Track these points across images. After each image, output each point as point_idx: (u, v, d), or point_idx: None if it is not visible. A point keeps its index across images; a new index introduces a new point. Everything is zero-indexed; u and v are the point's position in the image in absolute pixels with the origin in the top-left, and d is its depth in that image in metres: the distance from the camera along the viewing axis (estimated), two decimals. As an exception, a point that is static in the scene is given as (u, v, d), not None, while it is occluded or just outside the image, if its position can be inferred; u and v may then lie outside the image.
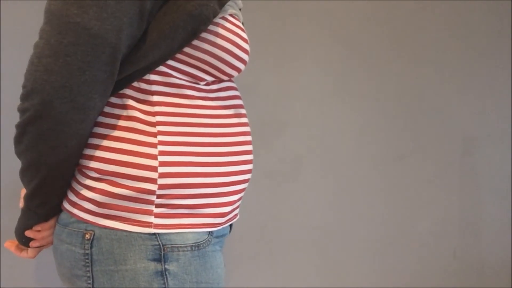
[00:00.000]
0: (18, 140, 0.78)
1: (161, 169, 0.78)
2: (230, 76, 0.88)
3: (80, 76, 0.71)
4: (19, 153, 0.80)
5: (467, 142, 1.63)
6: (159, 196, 0.78)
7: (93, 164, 0.79)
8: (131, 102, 0.80)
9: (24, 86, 0.73)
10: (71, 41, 0.70)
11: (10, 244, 0.95)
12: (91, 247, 0.78)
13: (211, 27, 0.81)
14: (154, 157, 0.78)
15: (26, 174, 0.81)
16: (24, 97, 0.74)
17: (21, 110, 0.75)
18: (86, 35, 0.70)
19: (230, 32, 0.84)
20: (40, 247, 0.94)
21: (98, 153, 0.79)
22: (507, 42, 1.63)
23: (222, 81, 0.90)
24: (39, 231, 0.89)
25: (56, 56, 0.70)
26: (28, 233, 0.89)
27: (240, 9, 0.95)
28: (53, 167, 0.78)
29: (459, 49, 1.60)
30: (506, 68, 1.64)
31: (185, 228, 0.80)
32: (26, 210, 0.87)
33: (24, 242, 0.91)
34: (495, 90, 1.64)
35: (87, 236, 0.79)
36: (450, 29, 1.59)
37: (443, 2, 1.58)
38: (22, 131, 0.76)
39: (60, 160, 0.78)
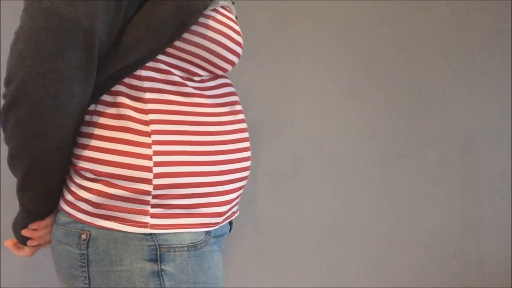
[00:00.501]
0: (2, 127, 0.78)
1: (156, 170, 0.77)
2: (223, 70, 0.86)
3: (53, 62, 0.70)
4: (5, 141, 0.80)
5: (467, 142, 1.62)
6: (154, 197, 0.77)
7: (88, 165, 0.79)
8: (123, 100, 0.79)
9: (5, 73, 0.73)
10: (42, 26, 0.68)
11: (9, 242, 0.96)
12: (87, 248, 0.78)
13: (201, 20, 0.79)
14: (148, 157, 0.77)
15: (12, 164, 0.81)
16: (4, 84, 0.74)
17: (3, 97, 0.75)
18: (57, 20, 0.68)
19: (222, 24, 0.82)
20: (38, 246, 0.94)
21: (93, 154, 0.79)
22: (507, 42, 1.62)
23: (217, 77, 0.89)
24: (35, 230, 0.89)
25: (29, 42, 0.69)
26: (24, 232, 0.89)
27: (233, 3, 0.94)
28: (36, 159, 0.78)
29: (459, 49, 1.60)
30: (506, 68, 1.63)
31: (181, 228, 0.79)
32: (20, 208, 0.87)
33: (22, 240, 0.91)
34: (495, 90, 1.63)
35: (84, 236, 0.79)
36: (450, 29, 1.59)
37: (443, 2, 1.57)
38: (4, 117, 0.76)
39: (43, 152, 0.77)
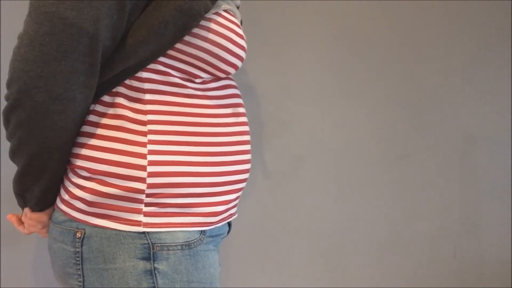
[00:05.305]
0: (5, 126, 0.80)
1: (150, 168, 0.77)
2: (226, 73, 0.86)
3: (56, 66, 0.71)
4: (7, 138, 0.82)
5: (468, 142, 1.62)
6: (148, 195, 0.78)
7: (84, 163, 0.79)
8: (121, 101, 0.80)
9: (8, 76, 0.74)
10: (46, 30, 0.69)
11: (13, 216, 0.98)
12: (81, 246, 0.79)
13: (203, 22, 0.80)
14: (143, 156, 0.78)
15: (13, 158, 0.83)
16: (7, 86, 0.75)
17: (5, 98, 0.76)
18: (61, 25, 0.69)
19: (224, 27, 0.82)
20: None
21: (88, 152, 0.79)
22: (507, 42, 1.62)
23: (220, 79, 0.89)
24: (25, 214, 0.92)
25: (33, 46, 0.70)
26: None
27: (238, 7, 0.94)
28: (33, 156, 0.79)
29: (459, 49, 1.59)
30: (507, 68, 1.62)
31: (175, 227, 0.80)
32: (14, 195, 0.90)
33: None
34: (496, 90, 1.63)
35: (78, 234, 0.79)
36: (450, 29, 1.58)
37: (443, 2, 1.57)
38: (6, 118, 0.78)
39: (40, 150, 0.78)
